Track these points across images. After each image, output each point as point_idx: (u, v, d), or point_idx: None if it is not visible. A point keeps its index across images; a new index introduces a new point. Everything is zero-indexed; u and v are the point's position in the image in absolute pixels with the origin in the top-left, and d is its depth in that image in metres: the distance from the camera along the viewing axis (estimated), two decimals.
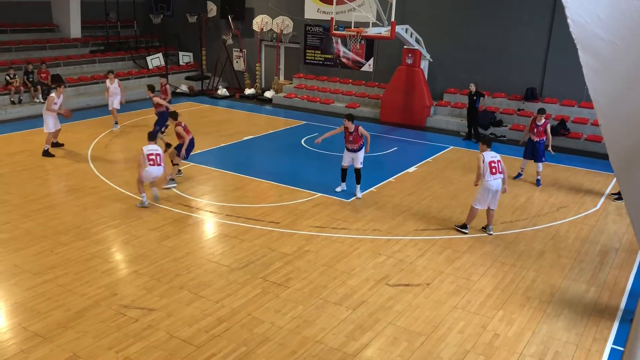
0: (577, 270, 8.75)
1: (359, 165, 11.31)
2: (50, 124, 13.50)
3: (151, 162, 10.31)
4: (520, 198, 11.87)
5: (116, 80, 16.19)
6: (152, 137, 10.70)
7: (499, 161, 9.60)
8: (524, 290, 8.07)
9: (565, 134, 16.24)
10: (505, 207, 11.27)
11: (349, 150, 11.28)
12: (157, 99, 13.95)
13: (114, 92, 16.09)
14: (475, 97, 16.10)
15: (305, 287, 7.92)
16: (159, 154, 10.40)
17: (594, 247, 9.62)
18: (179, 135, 11.84)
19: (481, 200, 9.67)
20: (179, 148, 11.80)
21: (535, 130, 12.60)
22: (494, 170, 9.48)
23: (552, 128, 16.27)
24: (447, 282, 8.22)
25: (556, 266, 8.86)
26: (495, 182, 9.53)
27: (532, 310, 7.56)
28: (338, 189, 11.81)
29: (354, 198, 11.43)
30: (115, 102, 16.17)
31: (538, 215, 10.96)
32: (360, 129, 11.07)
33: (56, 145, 14.04)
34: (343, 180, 11.77)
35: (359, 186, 11.54)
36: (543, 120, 12.58)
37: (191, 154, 12.25)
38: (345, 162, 11.49)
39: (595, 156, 15.16)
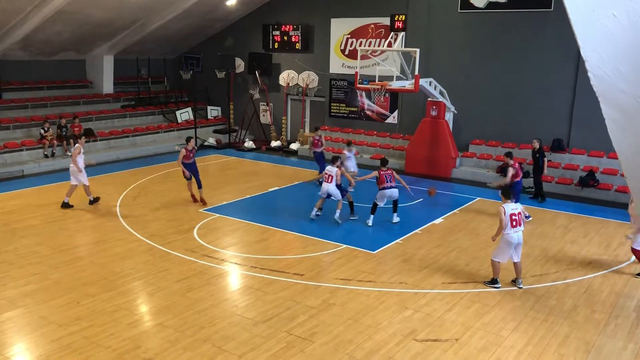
0: (613, 326, 8.42)
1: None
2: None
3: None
4: (550, 250, 11.60)
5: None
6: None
7: (519, 213, 9.41)
8: (557, 347, 7.77)
9: (594, 185, 15.98)
10: (535, 259, 11.02)
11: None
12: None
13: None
14: (538, 155, 15.24)
15: (330, 342, 7.77)
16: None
17: (630, 301, 9.28)
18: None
19: (501, 253, 9.45)
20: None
21: None
22: (514, 223, 9.30)
23: (581, 179, 16.14)
24: (476, 338, 7.98)
25: (590, 321, 8.55)
26: (515, 234, 9.32)
27: None
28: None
29: (379, 250, 11.33)
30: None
31: (569, 268, 10.67)
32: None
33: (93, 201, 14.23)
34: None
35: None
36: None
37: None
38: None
39: (627, 207, 14.80)
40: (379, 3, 20.06)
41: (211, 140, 22.84)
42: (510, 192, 9.71)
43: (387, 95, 19.10)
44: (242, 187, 16.19)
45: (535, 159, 15.44)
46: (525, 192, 16.43)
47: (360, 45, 20.49)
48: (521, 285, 9.67)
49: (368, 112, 21.27)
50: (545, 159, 15.36)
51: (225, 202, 14.53)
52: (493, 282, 9.72)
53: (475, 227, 13.04)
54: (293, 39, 22.16)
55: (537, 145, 15.28)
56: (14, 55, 19.76)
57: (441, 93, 18.26)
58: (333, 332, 8.02)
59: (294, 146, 21.96)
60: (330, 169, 12.80)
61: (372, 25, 20.53)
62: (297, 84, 22.56)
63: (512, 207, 9.40)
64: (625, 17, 2.38)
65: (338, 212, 12.82)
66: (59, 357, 7.24)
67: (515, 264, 9.61)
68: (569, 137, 17.45)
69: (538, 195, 15.64)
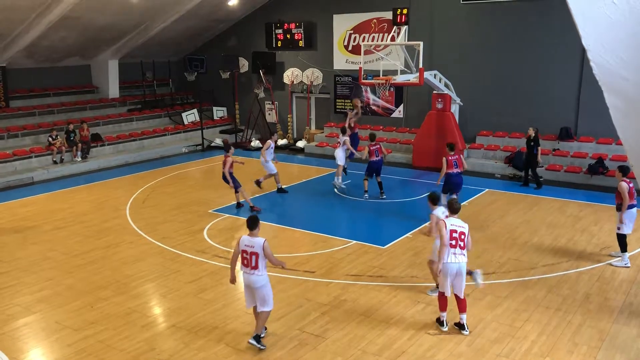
0: (627, 314, 8.38)
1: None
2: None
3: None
4: (561, 239, 11.55)
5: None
6: None
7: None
8: (571, 336, 7.75)
9: (603, 172, 15.88)
10: (547, 248, 10.98)
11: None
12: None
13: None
14: (532, 143, 15.16)
15: (343, 338, 7.79)
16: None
17: None
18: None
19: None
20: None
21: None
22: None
23: (590, 167, 16.03)
24: (489, 329, 7.97)
25: (604, 309, 8.51)
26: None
27: (580, 356, 7.24)
28: None
29: (389, 245, 11.32)
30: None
31: (581, 256, 10.62)
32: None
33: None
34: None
35: None
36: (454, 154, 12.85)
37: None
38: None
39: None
40: None
41: (218, 141, 22.89)
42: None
43: (392, 89, 19.05)
44: (250, 187, 16.21)
45: (529, 148, 15.31)
46: (514, 179, 16.37)
47: (363, 41, 20.45)
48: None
49: (374, 107, 21.24)
50: (540, 148, 15.27)
51: (234, 202, 14.56)
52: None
53: (484, 218, 13.00)
54: (296, 37, 22.15)
55: (532, 133, 15.20)
56: (20, 63, 19.89)
57: (446, 85, 18.19)
58: (345, 329, 8.04)
59: (300, 144, 21.97)
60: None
61: (375, 20, 20.49)
62: (301, 81, 22.56)
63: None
64: (626, 5, 2.37)
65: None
66: None
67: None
68: (577, 125, 17.35)
69: (530, 184, 15.59)
